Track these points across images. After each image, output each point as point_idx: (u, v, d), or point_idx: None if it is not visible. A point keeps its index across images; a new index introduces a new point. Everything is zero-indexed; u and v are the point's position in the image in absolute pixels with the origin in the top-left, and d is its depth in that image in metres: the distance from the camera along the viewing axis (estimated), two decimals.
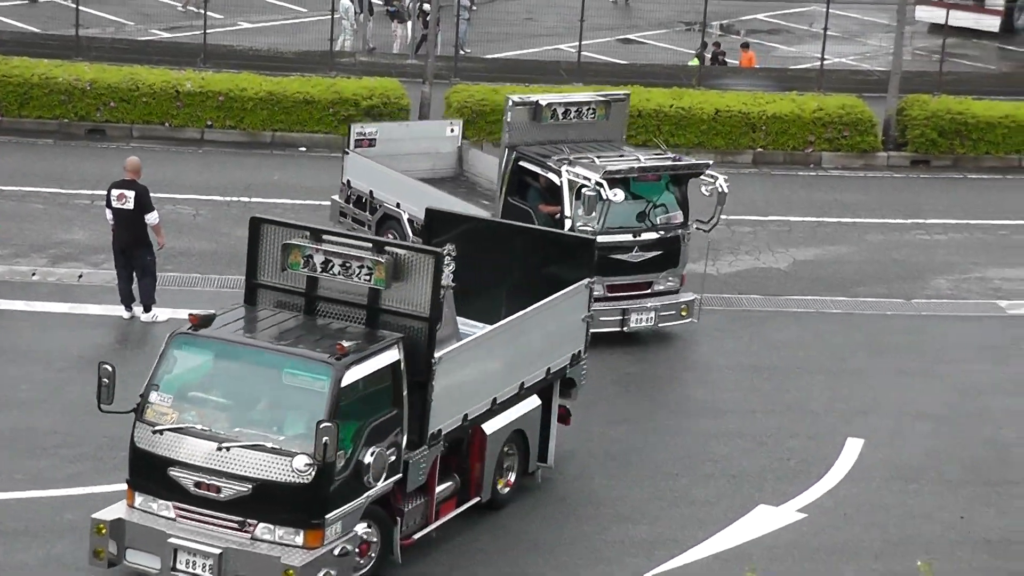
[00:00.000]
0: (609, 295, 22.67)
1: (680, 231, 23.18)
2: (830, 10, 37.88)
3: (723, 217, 28.67)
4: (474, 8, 42.00)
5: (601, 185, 21.90)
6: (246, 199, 28.73)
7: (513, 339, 17.87)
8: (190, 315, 16.46)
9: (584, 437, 20.25)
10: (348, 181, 26.17)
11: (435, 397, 16.52)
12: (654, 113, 32.56)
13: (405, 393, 16.29)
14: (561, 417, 19.20)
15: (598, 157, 22.84)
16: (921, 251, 28.33)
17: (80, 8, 36.85)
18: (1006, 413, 21.92)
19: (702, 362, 23.04)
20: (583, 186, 22.01)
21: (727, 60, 39.72)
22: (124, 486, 16.10)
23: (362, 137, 26.09)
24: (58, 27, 38.27)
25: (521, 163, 23.28)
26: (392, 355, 16.17)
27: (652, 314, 22.92)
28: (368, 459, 15.80)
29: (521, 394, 18.20)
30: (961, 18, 42.33)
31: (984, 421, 21.66)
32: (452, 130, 26.94)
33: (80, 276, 24.59)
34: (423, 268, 16.41)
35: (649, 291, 23.09)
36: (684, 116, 32.63)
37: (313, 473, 15.30)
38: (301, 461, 15.28)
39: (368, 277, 16.41)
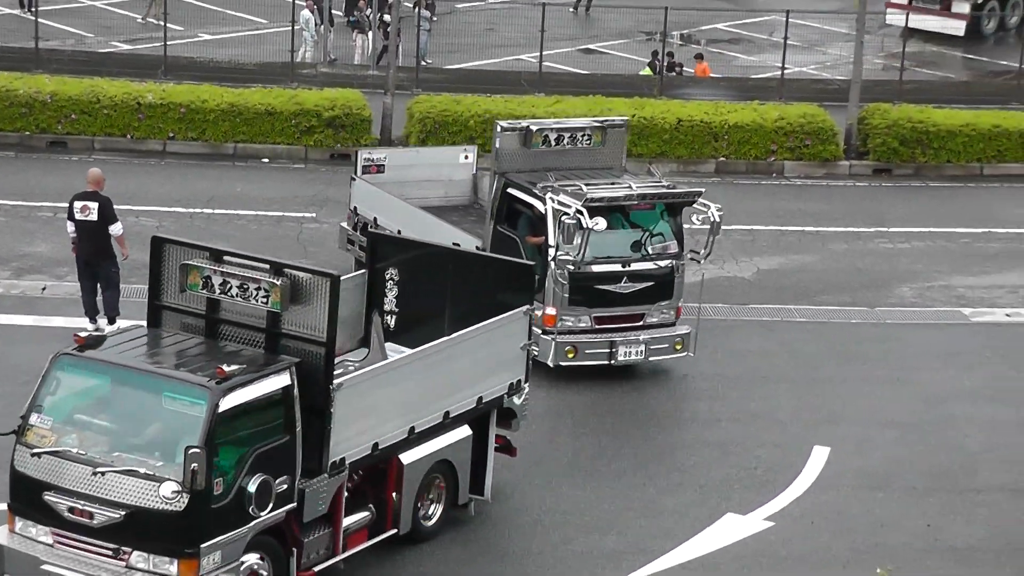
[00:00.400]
0: (597, 327, 22.02)
1: (674, 262, 22.47)
2: (790, 19, 38.01)
3: (687, 226, 28.92)
4: (434, 19, 41.98)
5: (581, 213, 21.17)
6: (209, 211, 28.64)
7: (432, 366, 17.26)
8: (75, 336, 16.11)
9: (551, 447, 20.26)
10: (355, 208, 25.26)
11: (335, 424, 15.94)
12: None
13: (299, 420, 15.70)
14: (503, 448, 18.72)
15: (586, 184, 21.96)
16: (884, 259, 28.43)
17: (40, 20, 36.68)
18: (971, 421, 22.01)
19: (667, 372, 23.05)
20: (565, 214, 21.33)
21: (683, 70, 39.77)
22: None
23: (370, 163, 25.22)
24: (17, 39, 38.07)
25: (509, 190, 22.52)
26: (282, 380, 15.61)
27: (642, 347, 22.20)
28: (252, 488, 15.24)
29: (447, 423, 17.62)
30: (926, 22, 42.50)
31: (950, 429, 21.74)
32: (466, 156, 25.96)
33: (44, 288, 24.47)
34: (320, 291, 15.97)
35: (641, 323, 22.28)
36: (646, 126, 32.67)
37: (185, 500, 14.80)
38: (168, 488, 14.78)
39: (265, 299, 15.98)
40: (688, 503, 19.26)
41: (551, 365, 21.63)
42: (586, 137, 23.18)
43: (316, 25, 40.35)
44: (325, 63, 39.23)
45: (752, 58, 43.54)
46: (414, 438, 17.25)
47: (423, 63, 38.97)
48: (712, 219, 22.37)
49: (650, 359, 22.31)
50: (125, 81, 33.05)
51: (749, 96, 36.03)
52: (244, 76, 36.07)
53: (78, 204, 22.53)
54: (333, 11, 41.32)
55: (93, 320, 22.90)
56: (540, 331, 21.19)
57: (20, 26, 36.60)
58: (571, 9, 47.05)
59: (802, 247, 28.79)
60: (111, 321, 22.86)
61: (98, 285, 22.76)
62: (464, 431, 17.95)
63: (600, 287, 21.97)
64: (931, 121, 33.70)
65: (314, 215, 28.82)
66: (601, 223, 21.27)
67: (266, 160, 31.93)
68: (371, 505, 17.12)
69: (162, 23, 38.19)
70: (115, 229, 22.53)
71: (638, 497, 19.25)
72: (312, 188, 30.33)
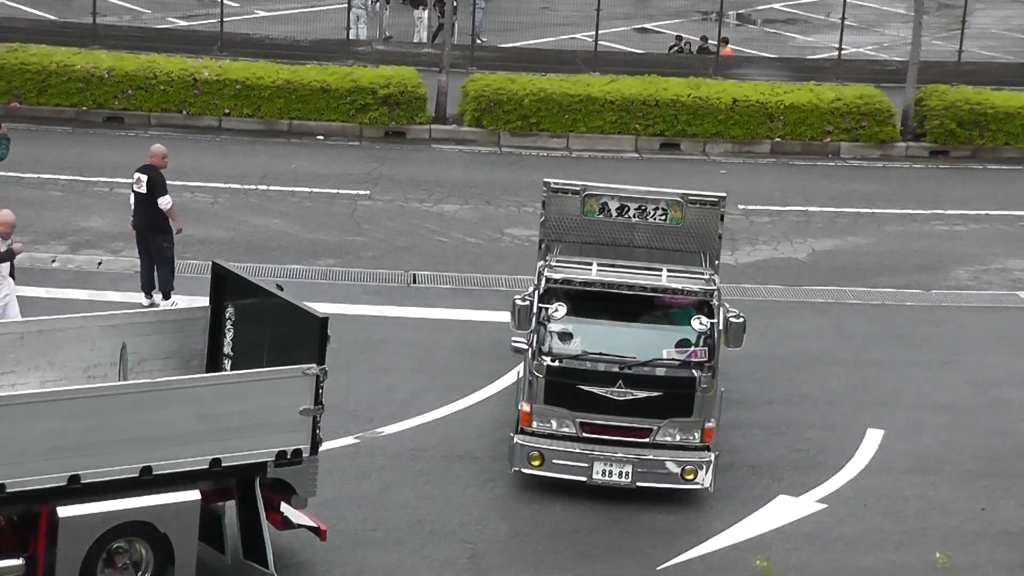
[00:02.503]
0: (583, 435, 18.34)
1: (696, 372, 18.29)
2: (847, 0, 37.77)
3: (741, 207, 28.92)
4: None
5: (537, 298, 18.39)
6: (263, 187, 28.73)
7: (118, 409, 15.03)
8: None
9: None
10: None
11: None
12: (671, 103, 32.49)
13: None
14: (284, 523, 16.35)
15: (596, 264, 18.90)
16: (940, 242, 28.26)
17: None
18: None
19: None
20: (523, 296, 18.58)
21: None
22: None
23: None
24: (76, 15, 38.26)
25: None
26: None
27: (627, 468, 18.25)
28: None
29: (151, 481, 15.30)
30: None
31: (1003, 412, 21.61)
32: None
33: (99, 263, 24.62)
34: None
35: (647, 441, 18.36)
36: (701, 106, 32.56)
37: None
38: None
39: None
40: (739, 484, 19.21)
41: (511, 470, 18.56)
42: (659, 212, 19.50)
43: (372, 2, 40.38)
44: (380, 40, 39.26)
45: (809, 38, 43.30)
46: (78, 488, 14.86)
47: (478, 41, 38.96)
48: (718, 326, 18.45)
49: (639, 484, 18.30)
50: (181, 57, 33.18)
51: (805, 77, 35.84)
52: (300, 53, 36.14)
53: (135, 176, 22.81)
54: None
55: (149, 295, 23.05)
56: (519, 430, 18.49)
57: (78, 2, 36.80)
58: None
59: (857, 229, 28.65)
60: (165, 296, 23.00)
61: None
62: (188, 495, 15.50)
63: (586, 388, 18.22)
64: (989, 103, 33.44)
65: (368, 192, 28.87)
66: (561, 311, 18.29)
67: (321, 137, 31.99)
68: (23, 557, 14.99)
69: None
70: (163, 202, 22.66)
71: None
72: (366, 165, 30.39)
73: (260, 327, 16.73)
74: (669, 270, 18.82)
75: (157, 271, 22.96)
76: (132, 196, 22.89)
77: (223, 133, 31.83)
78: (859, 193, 30.60)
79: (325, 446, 17.88)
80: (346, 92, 32.14)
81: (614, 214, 19.49)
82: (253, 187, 28.70)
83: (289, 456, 15.93)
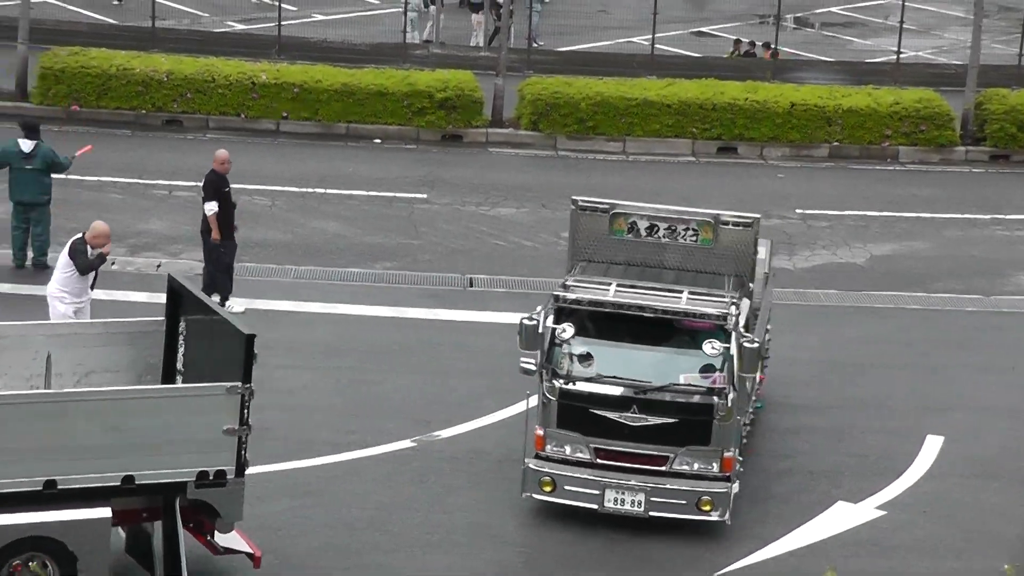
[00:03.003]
0: (598, 462, 17.77)
1: (715, 399, 17.52)
2: (906, 3, 37.59)
3: (799, 212, 28.81)
4: (546, 0, 41.93)
5: (544, 317, 17.64)
6: (321, 190, 28.81)
7: (11, 419, 14.56)
8: None
9: None
10: None
11: None
12: (728, 106, 32.40)
13: None
14: (216, 547, 15.86)
15: (609, 285, 18.03)
16: (1000, 247, 28.05)
17: (156, 0, 37.04)
18: None
19: (777, 357, 22.85)
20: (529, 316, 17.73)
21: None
22: None
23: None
24: (135, 19, 38.47)
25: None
26: None
27: (640, 496, 17.62)
28: None
29: (54, 496, 14.84)
30: None
31: None
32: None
33: (159, 265, 24.74)
34: None
35: (664, 469, 17.68)
36: (759, 109, 32.44)
37: None
38: None
39: None
40: (797, 490, 19.12)
41: (522, 495, 18.07)
42: (690, 232, 18.68)
43: (426, 5, 40.41)
44: (437, 44, 39.30)
45: (867, 42, 43.09)
46: None
47: (535, 44, 38.96)
48: (720, 351, 17.48)
49: (652, 514, 17.68)
50: (240, 61, 33.32)
51: (864, 80, 35.66)
52: (357, 56, 36.21)
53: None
54: None
55: (209, 296, 23.11)
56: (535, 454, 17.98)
57: (137, 5, 37.01)
58: None
59: (916, 234, 28.47)
60: (223, 299, 23.08)
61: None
62: (97, 512, 14.97)
63: (599, 412, 17.62)
64: None
65: (425, 196, 28.90)
66: (569, 331, 17.62)
67: (378, 140, 32.05)
68: None
69: (276, 3, 38.44)
70: (208, 208, 22.77)
71: (747, 483, 19.10)
72: (423, 169, 30.43)
73: (206, 343, 16.30)
74: (691, 292, 17.96)
75: (216, 275, 23.06)
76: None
77: (281, 136, 31.93)
78: (918, 198, 30.41)
79: (384, 448, 18.02)
80: (403, 96, 32.19)
81: (643, 234, 18.77)
82: (311, 190, 28.78)
83: (211, 477, 15.37)
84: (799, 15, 44.89)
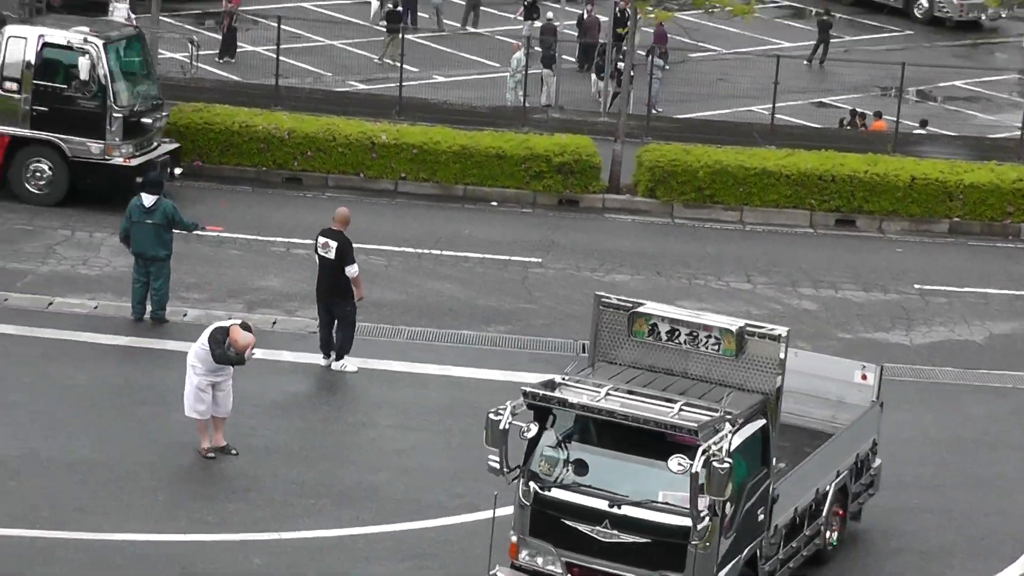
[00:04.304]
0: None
1: (690, 521, 15.90)
2: None
3: (917, 287, 28.53)
4: (667, 67, 41.94)
5: (509, 411, 16.51)
6: (437, 252, 28.94)
7: None
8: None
9: None
10: None
11: None
12: (848, 179, 32.19)
13: None
14: None
15: (602, 387, 16.71)
16: None
17: (280, 58, 37.52)
18: None
19: (889, 434, 22.57)
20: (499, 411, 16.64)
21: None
22: (311, 534, 16.14)
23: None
24: (258, 76, 38.97)
25: None
26: None
27: None
28: None
29: None
30: None
31: None
32: (864, 377, 19.71)
33: (274, 323, 24.93)
34: None
35: None
36: (879, 182, 32.20)
37: None
38: None
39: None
40: (908, 570, 18.86)
41: None
42: (712, 340, 17.24)
43: (548, 66, 40.59)
44: (556, 108, 39.43)
45: (990, 117, 42.68)
46: None
47: (654, 111, 38.98)
48: (694, 470, 15.70)
49: None
50: (360, 120, 33.61)
51: (986, 156, 35.31)
52: (476, 119, 36.42)
53: (321, 239, 23.07)
54: (563, 56, 41.55)
55: (327, 356, 23.30)
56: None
57: (261, 64, 37.46)
58: (805, 61, 46.67)
59: None
60: (338, 357, 23.23)
61: (334, 321, 23.20)
62: None
63: (570, 523, 16.31)
64: None
65: (540, 260, 28.94)
66: (533, 429, 16.62)
67: (494, 203, 32.17)
68: None
69: (398, 64, 38.80)
70: (351, 270, 22.95)
71: (857, 561, 18.91)
72: (539, 233, 30.48)
73: None
74: (686, 404, 16.40)
75: (338, 333, 23.22)
76: (317, 258, 23.16)
77: (399, 196, 32.14)
78: None
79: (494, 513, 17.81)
80: (521, 159, 32.31)
81: (664, 338, 17.40)
82: (427, 251, 28.92)
83: None
84: (922, 88, 44.58)
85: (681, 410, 16.21)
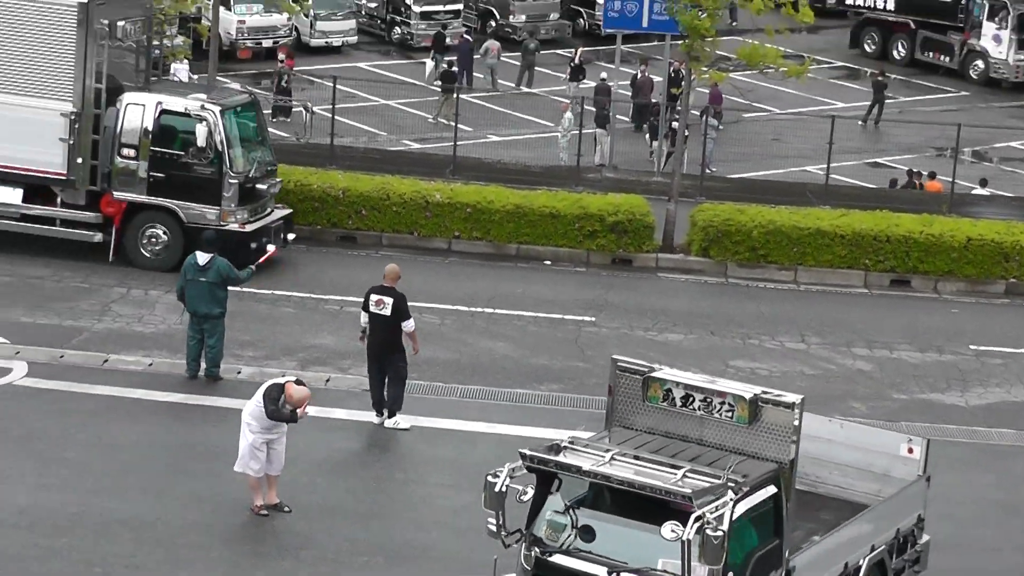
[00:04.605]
0: None
1: None
2: None
3: (973, 348, 28.34)
4: (721, 127, 41.99)
5: (503, 475, 16.41)
6: (490, 310, 28.94)
7: None
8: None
9: None
10: None
11: None
12: (903, 239, 32.06)
13: None
14: None
15: (608, 452, 16.50)
16: None
17: (336, 118, 37.73)
18: None
19: (945, 495, 22.39)
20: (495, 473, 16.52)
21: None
22: None
23: None
24: (314, 135, 39.21)
25: None
26: None
27: None
28: None
29: None
30: None
31: None
32: (910, 450, 19.08)
33: (327, 380, 24.96)
34: None
35: None
36: (934, 243, 32.05)
37: None
38: None
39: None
40: None
41: None
42: (726, 407, 16.89)
43: (601, 125, 40.69)
44: (609, 167, 39.48)
45: None
46: None
47: (708, 171, 38.98)
48: (687, 537, 15.40)
49: None
50: (414, 179, 33.75)
51: None
52: (530, 178, 36.49)
53: (374, 297, 23.09)
54: (618, 116, 41.63)
55: (380, 413, 23.32)
56: None
57: (316, 122, 37.69)
58: (860, 122, 46.62)
59: None
60: (391, 415, 23.25)
61: (386, 378, 23.22)
62: None
63: None
64: None
65: (593, 319, 28.92)
66: (528, 494, 16.46)
67: (548, 262, 32.19)
68: None
69: (452, 123, 38.95)
70: (407, 325, 23.02)
71: None
72: (592, 292, 30.47)
73: None
74: (690, 471, 16.10)
75: (389, 390, 23.26)
76: (364, 315, 23.21)
77: (452, 255, 32.21)
78: None
79: None
80: (574, 218, 32.33)
81: (679, 404, 17.10)
82: (480, 310, 28.93)
83: None
84: (977, 148, 44.42)
85: (684, 476, 15.94)
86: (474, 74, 47.60)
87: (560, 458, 16.21)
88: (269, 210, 30.57)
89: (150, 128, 29.33)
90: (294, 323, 27.59)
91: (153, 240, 29.59)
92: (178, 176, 29.35)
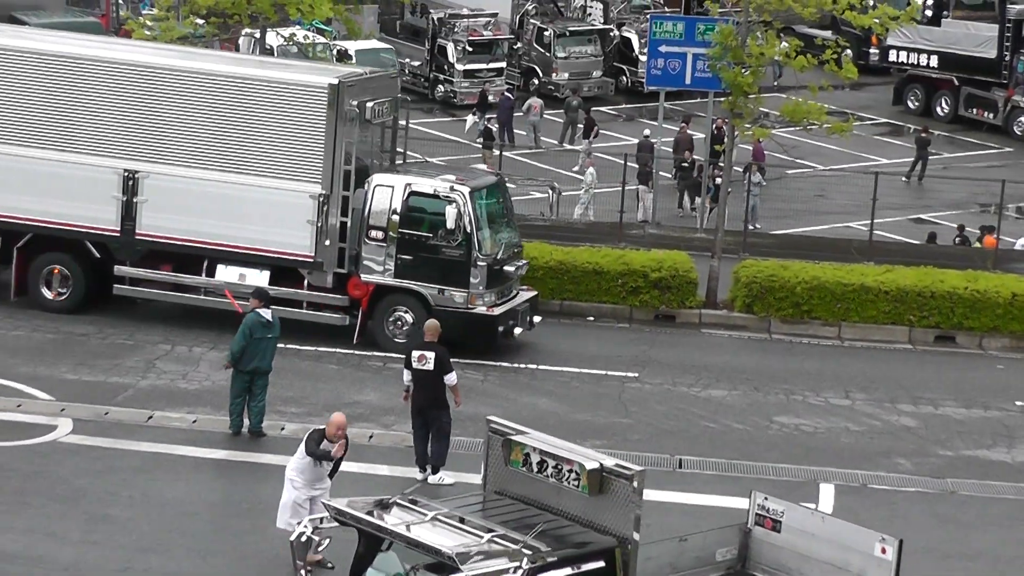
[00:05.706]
0: None
1: None
2: None
3: (1019, 404, 28.17)
4: (764, 183, 42.00)
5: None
6: (533, 366, 28.92)
7: None
8: None
9: None
10: None
11: None
12: (947, 295, 31.92)
13: None
14: None
15: (427, 509, 16.11)
16: None
17: None
18: None
19: (993, 552, 22.25)
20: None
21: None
22: None
23: (764, 515, 18.14)
24: None
25: None
26: None
27: None
28: None
29: None
30: None
31: None
32: (884, 550, 17.15)
33: (371, 436, 24.98)
34: None
35: None
36: (979, 299, 31.91)
37: None
38: None
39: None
40: None
41: None
42: (573, 475, 16.12)
43: (644, 181, 40.77)
44: (653, 223, 39.50)
45: None
46: None
47: (752, 227, 38.97)
48: None
49: None
50: None
51: None
52: (573, 234, 36.54)
53: (416, 353, 23.15)
54: (661, 173, 41.68)
55: (423, 469, 23.32)
56: None
57: None
58: (903, 178, 46.58)
59: None
60: (435, 471, 23.24)
61: (429, 434, 23.24)
62: None
63: None
64: None
65: (636, 375, 28.86)
66: (324, 544, 16.64)
67: (591, 318, 32.18)
68: None
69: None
70: (450, 379, 23.09)
71: None
72: (635, 348, 30.43)
73: None
74: (499, 536, 15.65)
75: (433, 445, 23.27)
76: (407, 373, 23.25)
77: None
78: None
79: None
80: (618, 275, 32.32)
81: (535, 469, 16.37)
82: (523, 366, 28.93)
83: None
84: (1021, 205, 44.28)
85: (490, 541, 15.36)
86: (516, 131, 47.74)
87: (362, 514, 15.78)
88: (515, 292, 30.12)
89: (399, 210, 28.82)
90: (336, 380, 27.63)
91: (399, 323, 29.02)
92: (426, 259, 28.81)
